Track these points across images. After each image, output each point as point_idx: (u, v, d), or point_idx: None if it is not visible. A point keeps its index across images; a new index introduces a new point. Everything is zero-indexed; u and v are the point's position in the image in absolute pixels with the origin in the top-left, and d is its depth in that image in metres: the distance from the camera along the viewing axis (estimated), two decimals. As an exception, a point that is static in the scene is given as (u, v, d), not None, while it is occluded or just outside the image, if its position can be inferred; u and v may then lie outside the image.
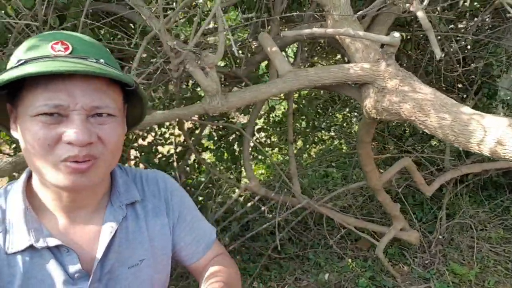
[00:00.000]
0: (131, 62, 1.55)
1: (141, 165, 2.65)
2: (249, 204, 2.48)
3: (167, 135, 2.89)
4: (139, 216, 0.81)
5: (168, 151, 2.68)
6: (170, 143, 2.87)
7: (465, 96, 3.37)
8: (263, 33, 1.90)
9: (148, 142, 2.84)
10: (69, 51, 0.65)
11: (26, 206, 0.70)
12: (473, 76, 3.32)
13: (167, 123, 2.86)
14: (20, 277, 0.68)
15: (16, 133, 0.68)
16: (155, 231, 0.83)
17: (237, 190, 2.26)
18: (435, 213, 3.16)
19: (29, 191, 0.74)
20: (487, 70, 3.35)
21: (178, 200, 0.88)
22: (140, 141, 2.84)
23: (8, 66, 0.65)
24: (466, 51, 3.23)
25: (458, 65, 2.72)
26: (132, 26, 2.03)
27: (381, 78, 1.61)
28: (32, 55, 0.63)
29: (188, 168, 2.79)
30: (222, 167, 3.10)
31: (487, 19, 3.17)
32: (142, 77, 1.44)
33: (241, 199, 2.95)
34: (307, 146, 4.21)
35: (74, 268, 0.71)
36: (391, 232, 2.54)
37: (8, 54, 1.38)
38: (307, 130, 3.95)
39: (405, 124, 3.86)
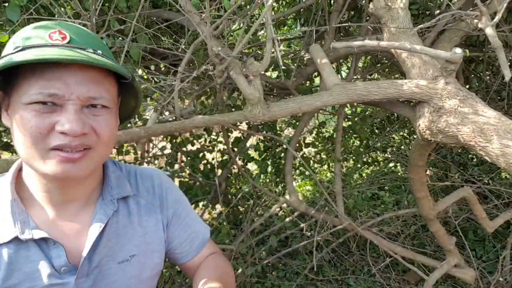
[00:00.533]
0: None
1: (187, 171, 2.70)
2: (287, 219, 2.40)
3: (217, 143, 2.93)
4: (132, 212, 0.79)
5: (213, 159, 2.71)
6: (219, 151, 2.90)
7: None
8: (314, 44, 1.85)
9: (197, 148, 2.90)
10: (66, 41, 0.64)
11: (14, 197, 0.69)
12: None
13: (216, 131, 2.90)
14: (5, 269, 0.67)
15: (7, 121, 0.67)
16: (148, 227, 0.80)
17: (277, 204, 2.20)
18: (498, 252, 2.83)
19: (18, 183, 0.72)
20: None
21: (173, 198, 0.86)
22: (189, 146, 2.91)
23: (4, 53, 0.64)
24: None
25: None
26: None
27: (438, 97, 1.47)
28: (29, 43, 0.63)
29: (231, 177, 2.79)
30: (266, 180, 3.06)
31: None
32: (187, 81, 1.46)
33: (282, 213, 2.88)
34: (359, 165, 4.03)
35: (60, 261, 0.69)
36: (444, 267, 2.31)
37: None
38: (360, 149, 3.78)
39: (472, 152, 3.53)
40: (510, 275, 2.62)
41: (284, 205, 3.10)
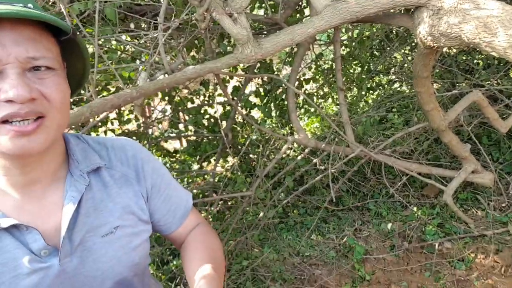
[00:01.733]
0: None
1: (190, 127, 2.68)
2: (299, 158, 2.40)
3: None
4: (107, 184, 0.75)
5: (215, 112, 2.67)
6: (219, 103, 2.85)
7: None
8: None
9: (198, 104, 2.85)
10: None
11: None
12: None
13: (213, 83, 2.83)
14: None
15: None
16: (127, 198, 0.77)
17: (286, 145, 2.19)
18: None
19: None
20: None
21: (149, 169, 0.81)
22: (190, 104, 2.86)
23: None
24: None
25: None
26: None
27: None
28: None
29: (237, 127, 2.77)
30: (273, 124, 3.03)
31: None
32: (169, 32, 1.38)
33: (294, 153, 2.88)
34: (363, 92, 3.96)
35: (38, 245, 0.65)
36: (461, 175, 2.32)
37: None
38: (362, 75, 3.68)
39: (477, 55, 3.41)
40: (528, 172, 2.64)
41: (295, 144, 3.10)
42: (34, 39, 0.58)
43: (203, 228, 0.90)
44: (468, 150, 2.28)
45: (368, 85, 4.05)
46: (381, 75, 4.12)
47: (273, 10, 2.33)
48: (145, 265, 0.83)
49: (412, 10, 1.56)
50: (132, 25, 1.74)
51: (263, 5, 2.34)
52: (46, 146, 0.61)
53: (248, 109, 2.96)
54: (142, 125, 2.59)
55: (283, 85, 2.86)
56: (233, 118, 2.53)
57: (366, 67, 3.73)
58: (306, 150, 2.33)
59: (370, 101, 4.34)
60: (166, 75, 1.55)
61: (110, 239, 0.73)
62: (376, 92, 4.20)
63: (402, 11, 1.88)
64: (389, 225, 2.53)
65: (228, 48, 2.33)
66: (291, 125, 3.19)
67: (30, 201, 0.67)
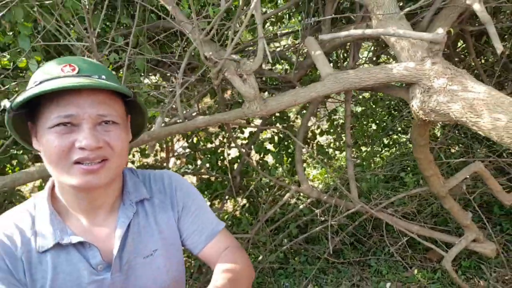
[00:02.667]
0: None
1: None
2: (301, 207, 2.47)
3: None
4: (148, 212, 0.90)
5: (228, 154, 2.82)
6: (235, 146, 3.00)
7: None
8: (309, 37, 1.90)
9: (215, 145, 3.02)
10: (76, 71, 0.75)
11: (52, 211, 0.81)
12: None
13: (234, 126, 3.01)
14: (51, 272, 0.78)
15: (37, 145, 0.79)
16: (163, 224, 0.91)
17: (289, 193, 2.28)
18: (524, 225, 2.76)
19: (53, 198, 0.84)
20: None
21: (182, 193, 0.95)
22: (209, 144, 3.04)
23: (28, 87, 0.76)
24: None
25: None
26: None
27: (426, 78, 1.49)
28: (45, 77, 0.75)
29: (249, 170, 2.89)
30: (285, 170, 3.14)
31: None
32: (185, 86, 1.56)
33: (300, 201, 2.95)
34: (379, 149, 4.01)
35: (96, 260, 0.81)
36: (462, 243, 2.30)
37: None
38: (379, 132, 3.76)
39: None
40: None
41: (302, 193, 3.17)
42: (104, 102, 0.76)
43: (233, 251, 0.94)
44: (470, 219, 2.27)
45: (386, 142, 4.11)
46: (399, 134, 4.17)
47: (290, 67, 2.51)
48: (180, 284, 0.95)
49: (408, 84, 1.67)
50: (157, 76, 1.95)
51: (281, 64, 2.53)
52: (107, 182, 0.78)
53: (262, 154, 3.09)
54: (160, 159, 2.76)
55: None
56: (243, 162, 2.65)
57: (383, 124, 3.81)
58: (309, 200, 2.40)
59: (385, 157, 4.37)
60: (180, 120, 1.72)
61: (150, 260, 0.87)
62: (392, 150, 4.24)
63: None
64: (388, 284, 2.50)
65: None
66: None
67: (94, 224, 0.84)
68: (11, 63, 1.65)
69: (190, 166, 3.06)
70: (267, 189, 2.89)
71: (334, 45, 2.06)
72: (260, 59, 1.57)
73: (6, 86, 1.51)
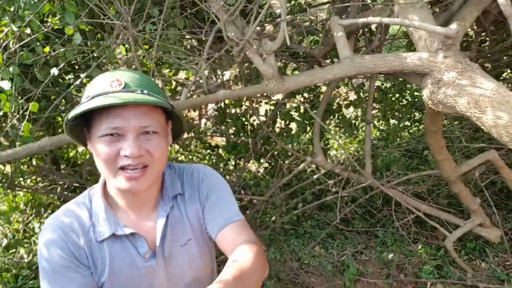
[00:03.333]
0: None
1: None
2: (315, 176, 2.62)
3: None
4: (180, 206, 1.02)
5: (254, 120, 2.96)
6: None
7: None
8: (334, 16, 1.93)
9: (242, 111, 3.16)
10: (122, 86, 0.86)
11: (106, 205, 0.94)
12: None
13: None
14: (108, 258, 0.93)
15: (91, 148, 0.91)
16: (193, 216, 1.02)
17: (304, 163, 2.42)
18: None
19: (105, 194, 0.96)
20: None
21: (207, 185, 1.03)
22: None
23: (82, 101, 0.89)
24: None
25: None
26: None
27: (437, 70, 1.52)
28: (97, 92, 0.85)
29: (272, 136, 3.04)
30: (306, 139, 3.25)
31: None
32: (211, 61, 1.69)
33: (318, 170, 3.08)
34: (408, 123, 3.98)
35: (144, 249, 0.95)
36: (467, 226, 2.37)
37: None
38: (409, 108, 3.72)
39: None
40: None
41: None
42: (146, 113, 0.86)
43: (244, 247, 0.92)
44: (478, 204, 2.32)
45: (417, 116, 4.05)
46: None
47: (316, 42, 2.54)
48: (211, 268, 1.11)
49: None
50: (188, 46, 2.08)
51: (308, 37, 2.56)
52: (148, 186, 0.90)
53: (287, 122, 3.21)
54: (192, 119, 2.97)
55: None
56: (264, 130, 2.78)
57: (415, 100, 3.76)
58: (323, 171, 2.54)
59: (414, 133, 4.33)
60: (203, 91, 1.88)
61: (186, 248, 1.01)
62: (421, 126, 4.19)
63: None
64: (391, 255, 2.64)
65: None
66: (326, 142, 3.38)
67: (140, 218, 0.98)
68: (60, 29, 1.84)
69: (219, 127, 3.25)
70: (288, 156, 3.04)
71: (358, 26, 2.07)
72: (280, 40, 1.65)
73: (56, 52, 1.72)
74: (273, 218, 2.69)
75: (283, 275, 2.49)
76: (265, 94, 1.79)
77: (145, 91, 0.87)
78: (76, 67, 2.17)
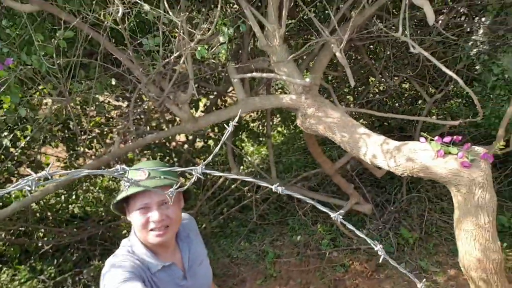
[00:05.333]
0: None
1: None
2: (233, 186, 3.17)
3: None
4: (192, 239, 1.42)
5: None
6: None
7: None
8: (230, 65, 2.46)
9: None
10: (146, 176, 1.23)
11: (147, 251, 1.26)
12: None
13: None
14: (160, 283, 1.25)
15: (129, 217, 1.26)
16: (200, 242, 1.45)
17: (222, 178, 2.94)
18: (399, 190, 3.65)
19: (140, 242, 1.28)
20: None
21: (195, 228, 1.50)
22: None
23: (122, 188, 1.26)
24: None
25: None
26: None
27: (303, 107, 2.15)
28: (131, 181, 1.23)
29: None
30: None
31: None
32: (136, 114, 2.10)
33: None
34: (298, 129, 4.75)
35: (179, 274, 1.30)
36: (348, 205, 3.13)
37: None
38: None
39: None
40: (402, 205, 3.46)
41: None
42: (165, 191, 1.18)
43: None
44: (352, 188, 3.09)
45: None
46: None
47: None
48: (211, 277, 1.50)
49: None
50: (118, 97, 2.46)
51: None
52: (170, 239, 1.28)
53: (206, 140, 3.69)
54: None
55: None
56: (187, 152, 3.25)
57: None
58: (238, 182, 3.09)
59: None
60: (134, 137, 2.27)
61: (202, 266, 1.40)
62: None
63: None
64: (299, 237, 3.31)
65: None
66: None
67: (168, 253, 1.33)
68: None
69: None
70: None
71: (251, 70, 2.65)
72: (190, 93, 2.13)
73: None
74: (204, 225, 3.16)
75: (217, 271, 2.98)
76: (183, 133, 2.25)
77: (163, 177, 1.25)
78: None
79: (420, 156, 1.70)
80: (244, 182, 3.25)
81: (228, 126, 0.73)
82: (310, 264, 3.08)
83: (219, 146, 0.73)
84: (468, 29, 3.43)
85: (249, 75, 2.11)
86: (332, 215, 0.72)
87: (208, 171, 0.62)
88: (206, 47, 1.70)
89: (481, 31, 3.51)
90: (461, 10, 3.44)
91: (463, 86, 1.98)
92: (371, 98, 4.05)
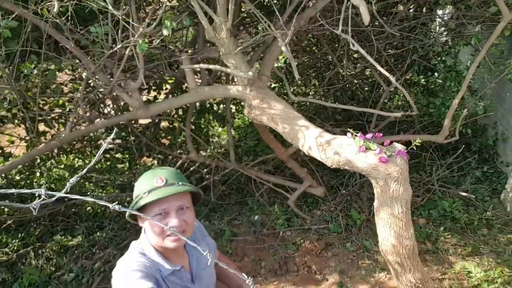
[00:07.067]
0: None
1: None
2: (191, 168, 3.27)
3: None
4: (200, 241, 1.49)
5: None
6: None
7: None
8: (184, 56, 2.49)
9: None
10: (164, 182, 1.25)
11: (158, 254, 1.30)
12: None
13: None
14: (170, 285, 1.29)
15: (141, 223, 1.31)
16: (205, 246, 1.48)
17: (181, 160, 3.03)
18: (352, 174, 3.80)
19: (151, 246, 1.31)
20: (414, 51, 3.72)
21: (203, 232, 1.58)
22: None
23: (135, 196, 1.28)
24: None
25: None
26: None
27: (248, 98, 2.22)
28: (146, 188, 1.24)
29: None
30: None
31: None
32: (86, 101, 2.14)
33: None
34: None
35: (187, 277, 1.36)
36: (301, 188, 3.27)
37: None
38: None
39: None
40: (354, 188, 3.63)
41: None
42: (182, 197, 1.26)
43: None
44: (305, 172, 3.22)
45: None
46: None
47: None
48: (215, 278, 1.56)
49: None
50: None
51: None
52: (184, 243, 1.33)
53: (171, 123, 3.74)
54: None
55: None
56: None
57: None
58: (197, 164, 3.18)
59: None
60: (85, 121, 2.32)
61: (206, 270, 1.45)
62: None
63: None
64: (256, 217, 3.46)
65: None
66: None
67: (179, 257, 1.39)
68: None
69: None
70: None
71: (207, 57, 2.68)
72: (140, 82, 2.17)
73: None
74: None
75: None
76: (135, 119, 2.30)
77: (180, 183, 1.28)
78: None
79: (345, 151, 1.81)
80: (204, 164, 3.34)
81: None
82: (265, 242, 3.25)
83: (92, 163, 0.80)
84: (423, 21, 3.50)
85: (196, 66, 2.16)
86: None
87: (50, 193, 0.69)
88: (147, 41, 1.73)
89: (436, 23, 3.58)
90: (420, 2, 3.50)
91: (397, 86, 2.08)
92: (335, 84, 4.14)
